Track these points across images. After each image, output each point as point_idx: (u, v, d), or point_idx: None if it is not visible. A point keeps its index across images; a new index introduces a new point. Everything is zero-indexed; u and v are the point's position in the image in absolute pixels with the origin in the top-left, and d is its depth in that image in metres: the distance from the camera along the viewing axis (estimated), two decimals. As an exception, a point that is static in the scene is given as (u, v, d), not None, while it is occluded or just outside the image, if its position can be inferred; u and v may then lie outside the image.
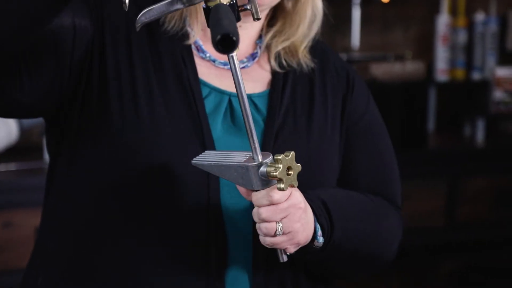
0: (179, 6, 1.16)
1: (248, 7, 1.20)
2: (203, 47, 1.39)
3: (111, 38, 1.32)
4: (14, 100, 1.25)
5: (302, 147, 1.36)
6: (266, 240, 1.23)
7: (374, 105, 1.50)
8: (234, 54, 1.16)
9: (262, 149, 1.33)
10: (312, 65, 1.43)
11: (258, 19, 1.20)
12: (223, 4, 1.13)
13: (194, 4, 1.16)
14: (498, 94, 3.61)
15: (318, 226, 1.30)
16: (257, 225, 1.23)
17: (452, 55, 3.62)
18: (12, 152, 2.97)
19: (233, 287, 1.32)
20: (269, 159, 1.20)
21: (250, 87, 1.39)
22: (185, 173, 1.29)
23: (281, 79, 1.41)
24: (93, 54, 1.31)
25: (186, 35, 1.37)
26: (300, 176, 1.25)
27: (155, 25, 1.35)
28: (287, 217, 1.22)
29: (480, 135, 3.57)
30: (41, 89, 1.27)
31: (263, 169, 1.19)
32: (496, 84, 3.60)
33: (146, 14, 1.18)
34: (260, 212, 1.21)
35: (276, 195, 1.20)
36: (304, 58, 1.42)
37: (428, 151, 3.38)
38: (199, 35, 1.38)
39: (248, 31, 1.41)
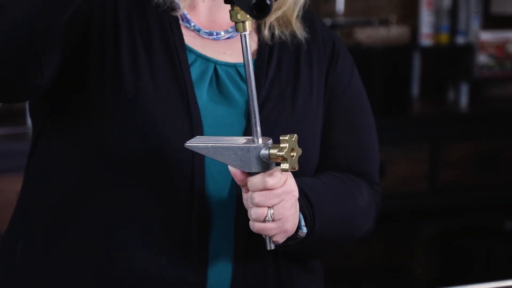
0: None
1: None
2: (188, 16, 1.38)
3: (97, 6, 1.32)
4: (34, 86, 1.26)
5: (288, 118, 1.36)
6: (254, 226, 1.22)
7: (357, 80, 1.48)
8: (247, 33, 1.17)
9: (246, 118, 1.32)
10: (305, 35, 1.42)
11: None
12: None
13: None
14: (482, 59, 3.61)
15: (301, 216, 1.29)
16: (248, 210, 1.22)
17: (437, 19, 3.61)
18: (-5, 117, 2.96)
19: (215, 276, 1.32)
20: (269, 142, 1.20)
21: (235, 57, 1.37)
22: (169, 141, 1.28)
23: (267, 50, 1.40)
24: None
25: (173, 8, 1.36)
26: None
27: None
28: (280, 203, 1.21)
29: (464, 99, 3.57)
30: (54, 72, 1.28)
31: (264, 151, 1.19)
32: (480, 48, 3.60)
33: None
34: (254, 197, 1.20)
35: (272, 180, 1.19)
36: (298, 29, 1.41)
37: (412, 116, 3.39)
38: (186, 8, 1.38)
39: None
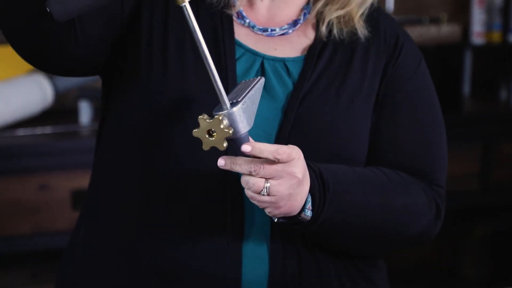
0: None
1: None
2: (244, 13, 1.39)
3: (148, 3, 1.34)
4: (72, 56, 1.28)
5: (329, 113, 1.35)
6: (248, 193, 1.22)
7: (424, 75, 1.43)
8: (185, 3, 1.15)
9: (286, 112, 1.32)
10: (366, 33, 1.39)
11: None
12: None
13: None
14: (535, 57, 3.58)
15: (309, 198, 1.27)
16: (245, 177, 1.21)
17: (489, 17, 3.58)
18: (48, 116, 3.01)
19: (252, 255, 1.32)
20: (221, 113, 1.18)
21: (287, 52, 1.38)
22: None
23: (320, 46, 1.39)
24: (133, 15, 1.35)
25: (229, 6, 1.37)
26: (325, 142, 1.26)
27: None
28: (278, 180, 1.20)
29: (516, 98, 3.54)
30: (93, 43, 1.30)
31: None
32: (533, 47, 3.57)
33: None
34: (265, 167, 1.19)
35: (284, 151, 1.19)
36: (360, 27, 1.39)
37: (463, 115, 3.37)
38: (244, 6, 1.39)
39: None
